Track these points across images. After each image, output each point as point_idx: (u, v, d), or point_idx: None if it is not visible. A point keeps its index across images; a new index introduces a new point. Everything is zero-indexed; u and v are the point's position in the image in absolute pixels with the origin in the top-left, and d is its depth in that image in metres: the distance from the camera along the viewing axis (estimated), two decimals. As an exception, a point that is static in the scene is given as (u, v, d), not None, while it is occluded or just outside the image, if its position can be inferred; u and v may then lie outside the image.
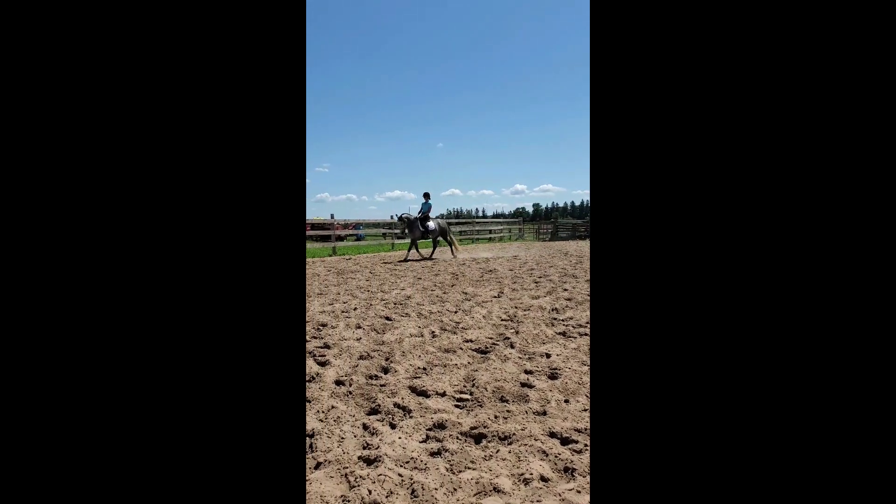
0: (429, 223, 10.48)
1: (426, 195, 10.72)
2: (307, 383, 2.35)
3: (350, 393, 2.22)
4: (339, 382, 2.37)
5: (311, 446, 1.71)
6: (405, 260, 10.12)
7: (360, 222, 18.80)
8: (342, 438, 1.77)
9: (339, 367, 2.60)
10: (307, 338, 3.28)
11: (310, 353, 2.90)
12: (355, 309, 4.33)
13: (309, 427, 1.85)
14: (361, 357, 2.79)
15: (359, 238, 20.09)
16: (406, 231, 10.38)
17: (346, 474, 1.52)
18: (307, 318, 3.92)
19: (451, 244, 11.07)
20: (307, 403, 2.11)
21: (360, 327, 3.57)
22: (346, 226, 16.89)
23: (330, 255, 11.96)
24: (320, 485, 1.46)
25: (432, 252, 11.09)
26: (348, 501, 1.38)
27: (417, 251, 10.72)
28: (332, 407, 2.05)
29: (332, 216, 12.97)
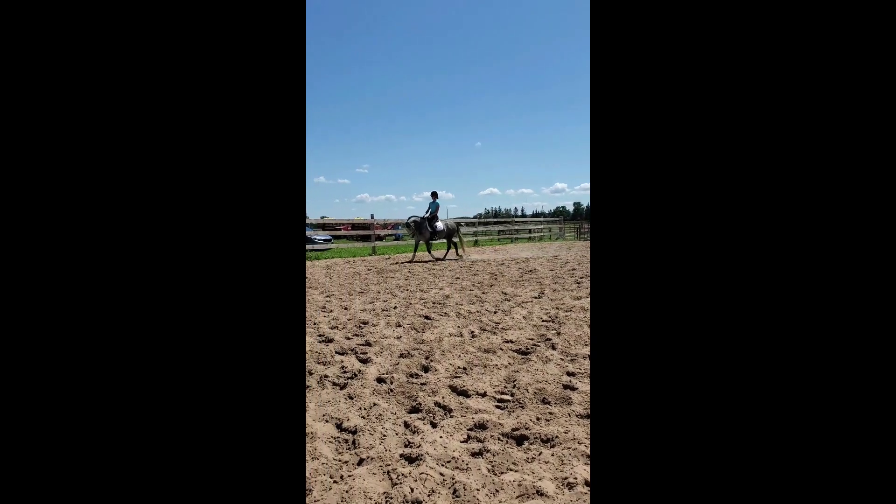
0: (437, 224, 10.15)
1: (433, 194, 10.37)
2: (350, 380, 2.39)
3: (391, 391, 2.25)
4: (380, 380, 2.40)
5: (354, 443, 1.73)
6: (412, 260, 9.89)
7: (399, 222, 19.00)
8: (384, 436, 1.79)
9: (380, 365, 2.63)
10: (349, 335, 3.34)
11: (352, 350, 2.95)
12: (395, 308, 4.38)
13: (352, 423, 1.88)
14: (402, 355, 2.81)
15: (397, 238, 20.34)
16: (414, 234, 10.09)
17: (388, 471, 1.53)
18: (349, 316, 4.00)
19: (458, 245, 10.78)
20: (350, 400, 2.15)
21: (399, 326, 3.60)
22: (385, 226, 17.12)
23: (370, 255, 12.16)
24: (363, 481, 1.48)
25: (446, 253, 10.79)
26: (391, 499, 1.39)
27: (430, 252, 10.44)
28: (374, 404, 2.08)
29: (371, 216, 13.17)
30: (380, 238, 15.41)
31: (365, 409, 2.04)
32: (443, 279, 6.52)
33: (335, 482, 1.49)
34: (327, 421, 1.94)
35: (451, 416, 1.95)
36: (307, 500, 1.39)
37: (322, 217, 17.72)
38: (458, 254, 10.78)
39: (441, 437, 1.78)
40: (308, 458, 1.63)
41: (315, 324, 3.75)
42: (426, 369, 2.57)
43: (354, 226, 15.78)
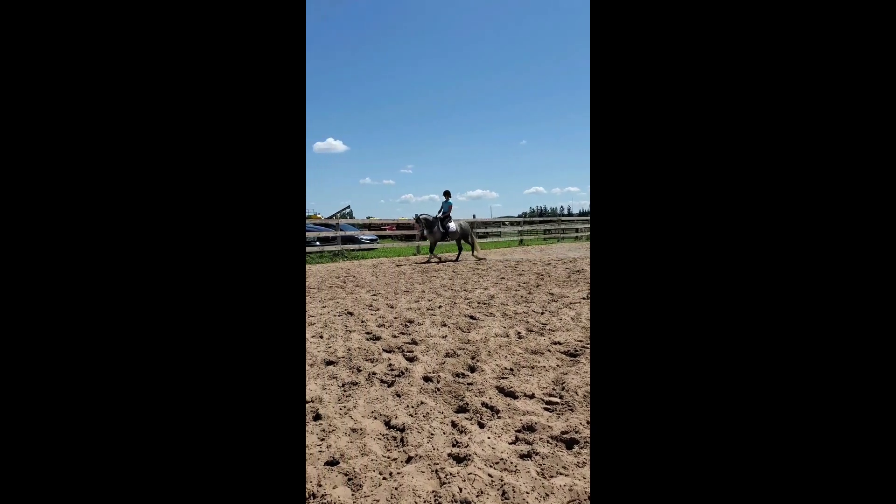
0: (450, 224, 9.73)
1: (446, 193, 9.95)
2: (397, 378, 2.42)
3: (438, 390, 2.25)
4: (426, 379, 2.42)
5: (402, 440, 1.75)
6: (428, 261, 9.65)
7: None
8: (431, 434, 1.80)
9: (426, 364, 2.65)
10: (395, 333, 3.38)
11: (399, 348, 2.98)
12: (440, 307, 4.40)
13: (400, 421, 1.90)
14: (448, 355, 2.81)
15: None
16: (425, 233, 9.71)
17: (436, 470, 1.54)
18: (395, 315, 4.05)
19: (472, 246, 10.28)
20: (397, 398, 2.17)
21: (445, 325, 3.61)
22: (429, 225, 17.21)
23: (414, 254, 12.28)
24: (412, 478, 1.49)
25: (458, 255, 10.35)
26: (439, 497, 1.39)
27: (432, 252, 10.01)
28: (422, 403, 2.09)
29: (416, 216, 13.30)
30: (424, 238, 15.54)
31: (412, 407, 2.06)
32: (487, 279, 6.49)
33: (384, 479, 1.51)
34: (376, 418, 1.97)
35: (499, 417, 1.93)
36: (357, 494, 1.42)
37: (368, 217, 18.07)
38: (473, 255, 10.37)
39: (489, 437, 1.76)
40: (358, 453, 1.66)
41: (363, 321, 3.83)
42: (472, 369, 2.56)
43: (399, 226, 15.99)
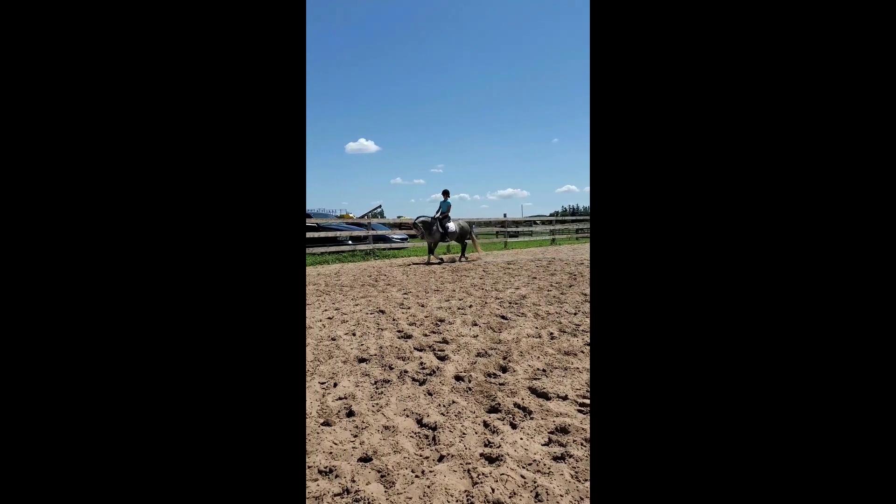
0: (448, 224, 9.33)
1: (445, 193, 9.48)
2: (428, 376, 2.43)
3: (469, 389, 2.25)
4: (458, 378, 2.41)
5: (434, 439, 1.76)
6: (428, 262, 9.29)
7: (473, 221, 19.08)
8: (463, 434, 1.80)
9: (457, 363, 2.65)
10: (426, 332, 3.40)
11: (430, 347, 2.99)
12: (471, 306, 4.39)
13: (432, 420, 1.91)
14: (479, 354, 2.81)
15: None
16: (423, 235, 9.30)
17: (468, 470, 1.53)
18: (426, 314, 4.07)
19: (463, 249, 9.94)
20: (429, 396, 2.18)
21: (475, 325, 3.60)
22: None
23: (444, 253, 12.31)
24: (444, 477, 1.49)
25: (461, 256, 10.01)
26: (472, 497, 1.39)
27: (431, 254, 9.50)
28: (453, 402, 2.09)
29: (446, 215, 13.32)
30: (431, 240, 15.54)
31: (444, 406, 2.06)
32: (519, 279, 6.43)
33: (417, 477, 1.51)
34: (408, 416, 1.98)
35: (532, 419, 1.91)
36: (390, 491, 1.43)
37: (398, 217, 18.22)
38: (464, 256, 9.99)
39: (521, 438, 1.75)
40: (390, 451, 1.68)
41: (394, 320, 3.86)
42: (504, 369, 2.54)
43: (430, 225, 16.03)
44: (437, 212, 9.40)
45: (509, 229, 16.46)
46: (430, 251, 9.43)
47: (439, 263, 9.07)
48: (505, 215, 16.52)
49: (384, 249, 11.98)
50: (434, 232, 9.18)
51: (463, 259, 9.77)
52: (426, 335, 3.33)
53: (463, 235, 9.66)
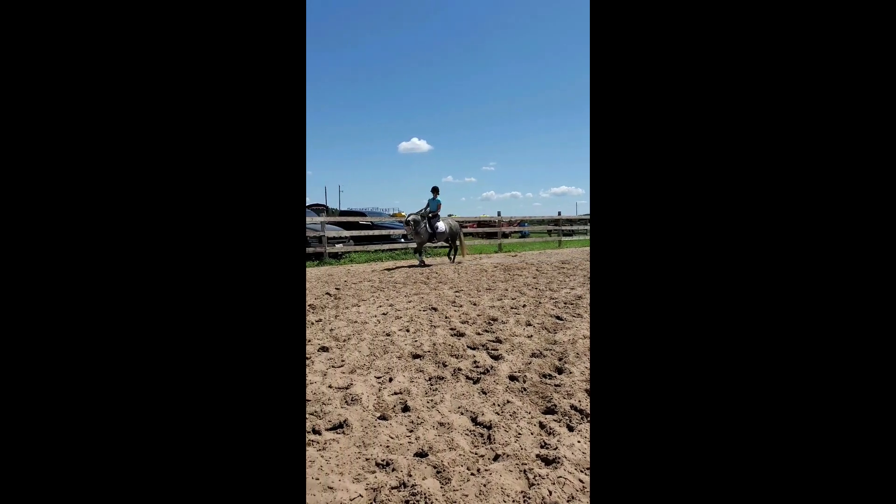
0: (438, 224, 8.62)
1: (434, 190, 8.75)
2: (482, 375, 2.42)
3: (524, 389, 2.22)
4: (512, 378, 2.39)
5: (489, 438, 1.75)
6: (421, 264, 8.67)
7: (525, 219, 18.85)
8: (519, 434, 1.78)
9: (511, 363, 2.63)
10: (479, 331, 3.39)
11: (483, 345, 2.99)
12: (524, 306, 4.34)
13: (486, 419, 1.90)
14: (534, 355, 2.77)
15: (523, 235, 20.18)
16: (412, 235, 8.64)
17: (524, 471, 1.52)
18: (478, 312, 4.06)
19: (450, 249, 9.35)
20: (483, 395, 2.17)
21: (529, 324, 3.56)
22: (511, 223, 17.10)
23: (496, 252, 12.25)
24: (500, 477, 1.48)
25: (453, 257, 9.34)
26: (528, 499, 1.37)
27: (420, 256, 8.84)
28: (508, 401, 2.08)
29: (498, 213, 13.25)
30: (505, 235, 15.44)
31: (499, 405, 2.05)
32: (574, 279, 6.29)
33: (472, 474, 1.51)
34: (462, 413, 1.99)
35: (589, 421, 1.86)
36: (446, 487, 1.44)
37: (449, 215, 18.28)
38: (451, 258, 9.37)
39: (578, 441, 1.71)
40: (445, 447, 1.69)
41: (447, 317, 3.88)
42: (560, 371, 2.49)
43: (480, 223, 16.03)
44: (425, 209, 8.71)
45: (564, 227, 16.12)
46: (418, 252, 8.87)
47: (425, 266, 8.52)
48: (559, 213, 16.19)
49: (435, 247, 12.08)
50: (422, 232, 8.51)
51: (451, 260, 9.27)
52: (479, 334, 3.32)
53: (454, 236, 9.11)
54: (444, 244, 9.52)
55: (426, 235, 8.57)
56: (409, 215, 8.59)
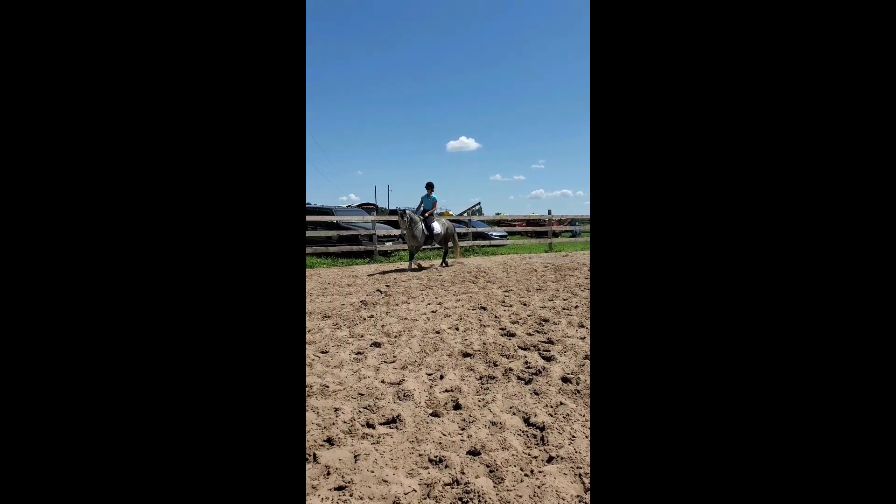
0: (434, 224, 7.94)
1: (429, 186, 8.10)
2: (534, 376, 2.39)
3: (578, 392, 2.17)
4: (565, 379, 2.35)
5: (542, 439, 1.73)
6: (419, 268, 8.08)
7: (576, 218, 18.42)
8: (573, 437, 1.74)
9: (564, 364, 2.58)
10: (530, 331, 3.35)
11: (534, 346, 2.95)
12: (576, 307, 4.24)
13: (539, 420, 1.88)
14: (587, 357, 2.70)
15: (574, 234, 19.75)
16: (405, 231, 7.85)
17: (580, 475, 1.49)
18: (529, 312, 4.01)
19: (445, 252, 8.74)
20: (535, 396, 2.14)
21: (582, 326, 3.47)
22: (561, 222, 16.78)
23: (546, 251, 12.06)
24: (554, 479, 1.46)
25: (443, 260, 8.74)
26: (583, 502, 1.34)
27: (412, 260, 8.12)
28: (561, 403, 2.04)
29: (549, 212, 13.04)
30: (555, 234, 15.17)
31: (551, 406, 2.02)
32: (626, 279, 6.08)
33: (526, 475, 1.50)
34: (514, 414, 1.97)
35: (647, 428, 1.80)
36: (499, 487, 1.43)
37: (497, 213, 18.19)
38: (445, 261, 8.70)
39: (636, 448, 1.65)
40: (498, 447, 1.68)
41: (496, 317, 3.86)
42: (614, 374, 2.42)
43: (529, 222, 15.83)
44: (419, 207, 8.11)
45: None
46: (411, 256, 8.13)
47: (418, 269, 7.96)
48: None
49: (483, 246, 12.06)
50: (419, 234, 7.79)
51: (444, 264, 8.63)
52: (530, 334, 3.28)
53: (448, 238, 8.51)
54: (438, 246, 8.93)
55: (423, 238, 7.87)
56: (403, 210, 7.88)
